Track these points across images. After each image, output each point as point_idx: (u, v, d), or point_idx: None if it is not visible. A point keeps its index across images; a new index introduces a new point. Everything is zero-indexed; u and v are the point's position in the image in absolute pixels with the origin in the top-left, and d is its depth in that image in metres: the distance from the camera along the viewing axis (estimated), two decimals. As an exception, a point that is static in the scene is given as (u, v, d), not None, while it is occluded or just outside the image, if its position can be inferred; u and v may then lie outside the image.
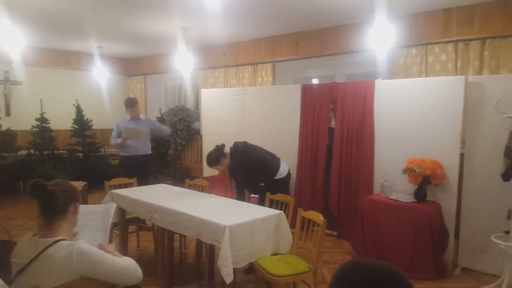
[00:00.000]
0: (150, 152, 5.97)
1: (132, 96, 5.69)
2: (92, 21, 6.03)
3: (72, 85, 9.02)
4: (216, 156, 4.37)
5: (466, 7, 4.79)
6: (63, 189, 1.94)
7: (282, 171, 4.58)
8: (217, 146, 4.42)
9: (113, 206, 2.44)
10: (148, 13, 5.49)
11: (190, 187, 4.76)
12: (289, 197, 3.87)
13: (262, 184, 4.43)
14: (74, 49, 8.56)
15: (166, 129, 6.23)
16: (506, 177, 3.63)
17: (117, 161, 9.05)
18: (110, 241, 2.61)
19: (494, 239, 3.60)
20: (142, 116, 5.92)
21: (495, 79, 4.20)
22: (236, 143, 4.51)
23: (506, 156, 3.62)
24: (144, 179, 5.32)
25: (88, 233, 2.25)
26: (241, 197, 4.52)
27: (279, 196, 3.94)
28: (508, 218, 3.60)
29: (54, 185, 1.93)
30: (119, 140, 5.65)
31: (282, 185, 4.49)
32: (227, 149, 4.45)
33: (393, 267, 0.92)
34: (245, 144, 4.51)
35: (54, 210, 1.91)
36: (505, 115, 3.47)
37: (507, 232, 3.56)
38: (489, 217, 4.06)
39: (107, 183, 4.63)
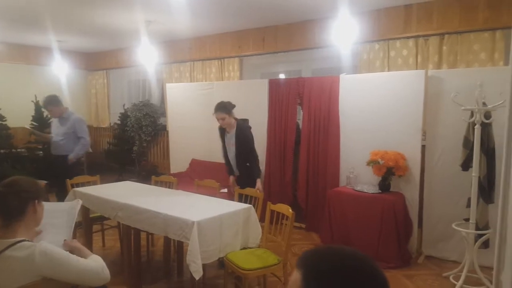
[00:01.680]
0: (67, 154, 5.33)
1: (52, 94, 5.26)
2: (51, 14, 5.82)
3: (31, 81, 8.67)
4: (229, 106, 4.23)
5: (425, 3, 4.94)
6: (18, 190, 1.86)
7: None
8: (229, 102, 4.27)
9: (79, 203, 2.38)
10: (110, 5, 5.35)
11: (156, 184, 4.70)
12: (258, 191, 3.88)
13: (247, 164, 4.35)
14: (32, 43, 8.23)
15: (82, 146, 5.42)
16: (465, 167, 3.79)
17: (82, 157, 8.80)
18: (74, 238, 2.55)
19: (455, 227, 3.76)
20: (74, 116, 5.42)
21: (453, 73, 4.37)
22: (237, 118, 4.39)
23: (464, 146, 3.78)
24: (63, 183, 4.66)
25: (52, 231, 2.19)
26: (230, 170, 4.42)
27: (249, 190, 3.96)
28: (468, 206, 3.76)
29: (7, 187, 1.85)
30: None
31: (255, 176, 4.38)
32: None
33: (357, 252, 0.95)
34: (245, 120, 4.45)
35: (10, 213, 1.84)
36: (462, 108, 3.61)
37: (467, 220, 3.72)
38: (450, 206, 4.23)
39: (69, 181, 4.52)
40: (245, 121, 4.60)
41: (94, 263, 1.92)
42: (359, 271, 0.90)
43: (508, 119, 1.35)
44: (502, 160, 2.10)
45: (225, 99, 5.99)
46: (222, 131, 4.45)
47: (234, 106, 4.30)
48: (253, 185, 4.16)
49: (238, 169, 4.42)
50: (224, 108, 4.22)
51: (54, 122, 5.52)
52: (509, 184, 1.35)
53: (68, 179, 4.52)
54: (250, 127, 4.49)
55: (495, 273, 1.34)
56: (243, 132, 4.32)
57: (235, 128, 4.32)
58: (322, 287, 0.88)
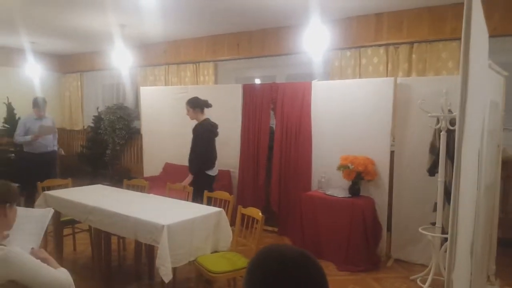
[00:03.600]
0: (56, 149, 6.07)
1: (39, 96, 5.93)
2: (23, 15, 5.67)
3: (2, 83, 8.43)
4: (197, 102, 4.59)
5: (395, 12, 5.05)
6: None
7: (215, 169, 4.70)
8: (205, 100, 4.62)
9: (50, 212, 2.33)
10: (83, 8, 5.26)
11: (128, 187, 4.65)
12: (228, 194, 3.89)
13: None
14: (4, 44, 8.01)
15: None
16: (431, 172, 3.88)
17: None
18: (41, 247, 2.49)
19: (421, 231, 3.82)
20: (47, 114, 6.02)
21: (421, 80, 4.47)
22: (209, 119, 4.66)
23: (431, 152, 3.86)
24: (50, 177, 5.13)
25: (20, 237, 2.13)
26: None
27: (219, 194, 3.95)
28: (434, 210, 3.83)
29: None
30: (28, 137, 5.63)
31: (207, 182, 4.53)
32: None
33: (303, 251, 0.96)
34: (216, 125, 4.69)
35: None
36: (429, 114, 3.70)
37: (434, 224, 3.79)
38: (418, 210, 4.28)
39: (40, 184, 4.46)
40: (212, 124, 4.67)
41: (64, 276, 1.88)
42: (266, 263, 0.92)
43: (457, 127, 1.40)
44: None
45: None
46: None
47: (205, 104, 4.57)
48: (202, 185, 4.31)
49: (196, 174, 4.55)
50: (190, 101, 4.61)
51: (34, 122, 5.74)
52: (458, 187, 1.39)
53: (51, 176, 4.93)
54: (210, 129, 4.61)
55: (447, 272, 1.38)
56: (197, 128, 4.59)
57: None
58: (246, 278, 0.94)
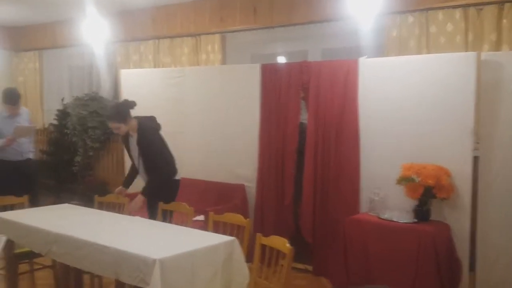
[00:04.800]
0: (31, 156, 6.24)
1: (13, 86, 6.10)
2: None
3: None
4: (124, 112, 4.65)
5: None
6: None
7: (179, 173, 4.90)
8: (126, 100, 4.75)
9: (1, 241, 2.35)
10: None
11: (101, 206, 4.75)
12: (243, 217, 3.87)
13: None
14: None
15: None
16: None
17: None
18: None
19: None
20: (21, 110, 6.17)
21: (516, 56, 4.41)
22: (140, 116, 4.82)
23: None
24: (32, 193, 5.53)
25: None
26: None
27: (230, 217, 3.95)
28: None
29: None
30: (1, 142, 5.75)
31: (175, 190, 4.82)
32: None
33: None
34: (153, 118, 4.90)
35: None
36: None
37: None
38: (512, 241, 4.23)
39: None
40: (149, 118, 4.89)
41: None
42: None
43: None
44: None
45: (203, 90, 6.06)
46: (125, 136, 4.85)
47: (131, 105, 4.68)
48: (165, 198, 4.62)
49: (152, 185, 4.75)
50: (116, 115, 4.63)
51: (6, 121, 5.92)
52: None
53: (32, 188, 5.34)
54: (153, 126, 4.83)
55: None
56: (145, 137, 4.69)
57: (136, 133, 4.73)
58: None
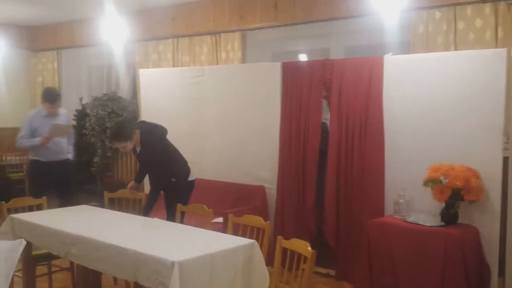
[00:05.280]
0: (71, 158, 6.24)
1: (51, 86, 6.08)
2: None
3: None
4: (127, 128, 4.71)
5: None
6: None
7: (192, 173, 5.12)
8: (126, 117, 5.06)
9: (21, 245, 2.37)
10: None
11: (112, 203, 4.95)
12: (263, 219, 3.88)
13: (173, 180, 4.95)
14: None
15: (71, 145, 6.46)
16: None
17: (22, 173, 8.79)
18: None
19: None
20: (60, 110, 6.14)
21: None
22: (142, 122, 5.05)
23: None
24: (66, 195, 5.72)
25: None
26: (153, 198, 4.85)
27: (249, 219, 3.95)
28: None
29: None
30: (37, 140, 5.77)
31: (189, 191, 5.03)
32: None
33: None
34: (156, 125, 4.99)
35: None
36: None
37: None
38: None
39: (4, 205, 4.56)
40: (154, 125, 4.98)
41: None
42: None
43: None
44: None
45: (223, 89, 6.07)
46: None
47: (133, 120, 4.89)
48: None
49: (167, 190, 5.00)
50: (121, 136, 4.67)
51: (44, 120, 5.91)
52: None
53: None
54: (158, 135, 4.91)
55: None
56: (150, 146, 4.80)
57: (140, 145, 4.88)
58: None
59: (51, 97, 5.92)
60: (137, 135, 4.75)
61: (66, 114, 6.30)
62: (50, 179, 5.86)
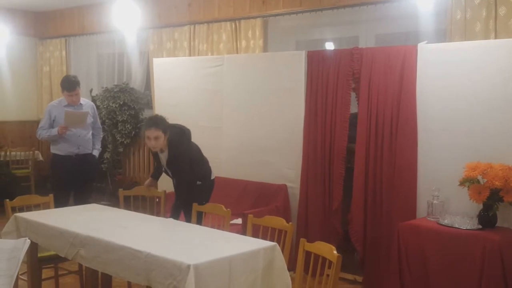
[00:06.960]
0: (94, 153, 6.27)
1: (71, 74, 6.02)
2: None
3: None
4: (166, 126, 4.72)
5: None
6: None
7: (212, 172, 5.26)
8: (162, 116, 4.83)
9: (25, 244, 2.41)
10: None
11: (127, 201, 4.91)
12: (285, 221, 3.89)
13: (199, 183, 5.00)
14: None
15: (99, 139, 6.49)
16: None
17: (27, 169, 8.91)
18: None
19: None
20: (83, 101, 6.16)
21: None
22: (172, 125, 4.93)
23: None
24: (81, 194, 5.80)
25: None
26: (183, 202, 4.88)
27: (270, 220, 3.96)
28: None
29: None
30: (54, 131, 5.81)
31: (210, 188, 5.14)
32: None
33: None
34: (182, 130, 4.99)
35: None
36: None
37: None
38: None
39: (8, 203, 4.56)
40: (179, 127, 4.99)
41: None
42: None
43: None
44: None
45: (243, 79, 6.10)
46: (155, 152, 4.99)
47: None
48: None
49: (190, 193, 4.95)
50: (159, 123, 4.67)
51: (62, 111, 5.91)
52: None
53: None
54: (185, 136, 4.96)
55: None
56: (178, 156, 4.82)
57: (167, 149, 4.83)
58: None
59: (68, 84, 5.87)
60: (167, 137, 4.72)
61: (90, 105, 6.26)
62: (72, 174, 5.86)
